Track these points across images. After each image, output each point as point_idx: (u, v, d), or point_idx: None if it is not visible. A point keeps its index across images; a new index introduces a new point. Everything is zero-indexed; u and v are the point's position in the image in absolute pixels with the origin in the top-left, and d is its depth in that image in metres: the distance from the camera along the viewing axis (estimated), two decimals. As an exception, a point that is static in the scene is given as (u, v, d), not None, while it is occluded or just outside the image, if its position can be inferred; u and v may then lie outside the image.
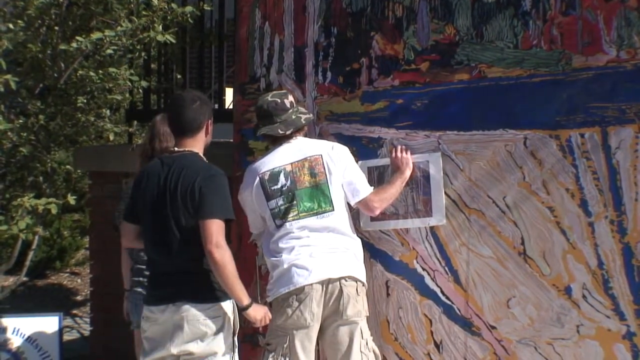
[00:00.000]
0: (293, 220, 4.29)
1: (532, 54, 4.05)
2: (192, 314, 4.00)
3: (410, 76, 4.43)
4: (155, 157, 4.33)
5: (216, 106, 7.16)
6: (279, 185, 4.34)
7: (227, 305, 4.10)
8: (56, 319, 5.42)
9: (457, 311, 4.29)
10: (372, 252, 4.54)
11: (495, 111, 4.15)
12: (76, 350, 7.38)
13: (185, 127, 4.14)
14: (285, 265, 4.21)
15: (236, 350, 4.21)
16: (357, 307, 4.23)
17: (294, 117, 4.41)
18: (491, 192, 4.17)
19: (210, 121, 4.23)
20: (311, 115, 4.56)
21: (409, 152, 4.39)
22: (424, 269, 4.39)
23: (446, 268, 4.32)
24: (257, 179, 4.38)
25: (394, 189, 4.35)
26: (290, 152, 4.40)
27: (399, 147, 4.42)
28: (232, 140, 5.24)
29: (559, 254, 3.98)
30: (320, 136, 4.74)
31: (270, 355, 4.25)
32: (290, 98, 4.48)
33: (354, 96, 4.64)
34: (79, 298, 10.00)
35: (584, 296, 3.92)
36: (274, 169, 4.36)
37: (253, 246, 4.91)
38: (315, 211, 4.30)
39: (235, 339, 4.20)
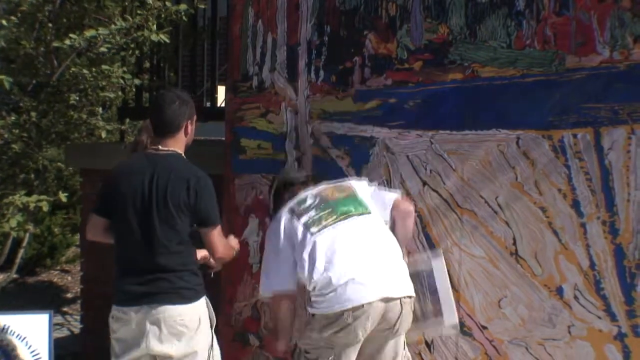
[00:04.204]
0: (334, 223, 4.08)
1: (526, 54, 4.05)
2: (169, 314, 3.98)
3: (403, 75, 4.43)
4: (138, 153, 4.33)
5: (208, 104, 7.16)
6: (307, 204, 4.18)
7: (202, 303, 4.10)
8: (46, 316, 5.37)
9: (449, 311, 4.29)
10: (364, 251, 4.53)
11: (488, 111, 4.15)
12: (67, 347, 7.36)
13: (164, 127, 4.12)
14: (341, 282, 3.90)
15: (215, 345, 4.20)
16: (409, 321, 4.05)
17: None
18: (483, 192, 4.16)
19: (190, 121, 4.18)
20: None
21: None
22: (415, 269, 4.38)
23: (438, 268, 4.31)
24: (285, 212, 4.21)
25: None
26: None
27: None
28: (224, 139, 5.22)
29: (551, 255, 3.98)
30: (312, 135, 4.74)
31: None
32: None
33: (346, 95, 4.63)
34: (69, 295, 9.97)
35: (575, 297, 3.92)
36: (299, 197, 4.24)
37: (244, 245, 4.90)
38: (355, 212, 4.12)
39: (212, 333, 4.19)
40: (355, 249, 4.01)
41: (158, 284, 4.01)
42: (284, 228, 4.15)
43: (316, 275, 3.94)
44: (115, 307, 4.13)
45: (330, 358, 3.96)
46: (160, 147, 4.13)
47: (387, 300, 3.89)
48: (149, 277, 4.03)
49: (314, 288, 3.94)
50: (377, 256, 4.03)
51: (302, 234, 4.08)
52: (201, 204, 4.02)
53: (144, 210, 4.03)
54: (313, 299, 3.96)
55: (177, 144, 4.15)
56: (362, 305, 3.85)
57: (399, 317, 3.94)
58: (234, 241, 4.41)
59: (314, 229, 4.06)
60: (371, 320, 3.87)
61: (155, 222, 4.01)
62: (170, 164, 4.07)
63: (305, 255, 4.01)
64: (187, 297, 4.04)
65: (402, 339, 4.10)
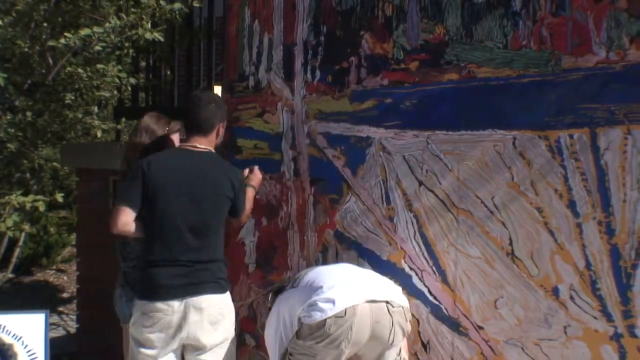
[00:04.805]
0: (313, 268, 4.31)
1: (522, 54, 4.04)
2: (211, 303, 4.20)
3: (399, 75, 4.43)
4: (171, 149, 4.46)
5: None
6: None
7: (229, 294, 4.36)
8: (42, 316, 5.37)
9: (445, 311, 4.29)
10: (360, 251, 4.53)
11: (484, 111, 4.14)
12: (63, 347, 7.37)
13: (198, 127, 4.31)
14: (323, 296, 3.91)
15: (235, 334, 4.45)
16: (405, 331, 4.04)
17: None
18: (480, 192, 4.16)
19: (223, 124, 4.39)
20: None
21: None
22: (411, 269, 4.38)
23: (434, 268, 4.31)
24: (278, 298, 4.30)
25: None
26: None
27: None
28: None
29: (547, 255, 3.97)
30: (309, 135, 4.73)
31: None
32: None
33: (342, 95, 4.63)
34: (65, 295, 9.98)
35: (571, 297, 3.91)
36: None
37: (241, 245, 4.90)
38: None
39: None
40: (337, 272, 4.16)
41: (200, 275, 4.20)
42: (276, 310, 4.22)
43: (305, 301, 3.98)
44: (148, 302, 4.18)
45: None
46: (197, 145, 4.30)
47: (371, 302, 3.90)
48: (190, 269, 4.20)
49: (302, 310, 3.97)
50: (360, 274, 4.19)
51: (290, 288, 4.20)
52: (239, 198, 4.39)
53: (191, 203, 4.20)
54: (301, 315, 3.97)
55: (209, 144, 4.33)
56: (345, 312, 3.83)
57: (391, 331, 3.94)
58: (255, 180, 4.73)
59: (297, 282, 4.18)
60: (356, 329, 3.85)
61: (202, 215, 4.21)
62: (212, 161, 4.33)
63: (294, 301, 4.08)
64: (223, 287, 4.30)
65: (398, 347, 4.09)
